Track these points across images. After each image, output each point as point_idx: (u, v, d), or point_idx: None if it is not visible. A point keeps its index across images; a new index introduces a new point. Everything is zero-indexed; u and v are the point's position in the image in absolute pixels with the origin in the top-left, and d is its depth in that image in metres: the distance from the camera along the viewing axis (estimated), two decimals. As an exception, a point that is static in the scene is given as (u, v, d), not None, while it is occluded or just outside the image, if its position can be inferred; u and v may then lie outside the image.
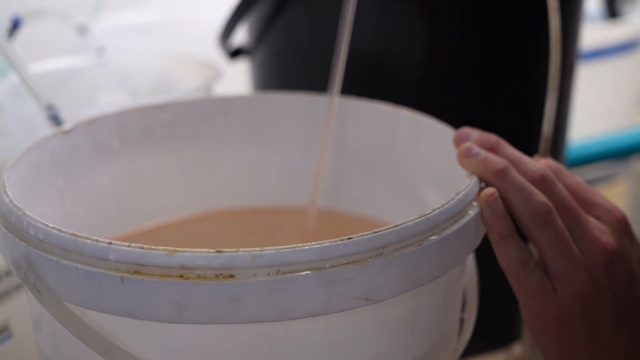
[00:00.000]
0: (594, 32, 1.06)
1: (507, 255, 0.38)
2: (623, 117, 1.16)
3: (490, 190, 0.38)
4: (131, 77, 0.71)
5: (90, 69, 0.71)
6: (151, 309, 0.32)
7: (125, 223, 0.52)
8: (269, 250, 0.31)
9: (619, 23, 1.14)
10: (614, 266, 0.39)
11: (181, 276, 0.31)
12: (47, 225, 0.34)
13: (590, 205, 0.41)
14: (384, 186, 0.51)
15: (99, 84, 0.72)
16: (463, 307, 0.43)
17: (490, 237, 0.38)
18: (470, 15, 0.58)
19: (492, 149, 0.40)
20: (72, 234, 0.33)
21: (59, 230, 0.33)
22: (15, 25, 0.64)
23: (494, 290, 0.50)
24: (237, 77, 0.74)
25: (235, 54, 0.72)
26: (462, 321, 0.42)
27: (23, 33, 0.68)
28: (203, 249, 0.31)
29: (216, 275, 0.31)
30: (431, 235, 0.34)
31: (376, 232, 0.33)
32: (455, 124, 0.47)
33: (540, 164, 0.40)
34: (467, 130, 0.42)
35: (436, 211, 0.35)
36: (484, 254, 0.42)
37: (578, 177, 0.42)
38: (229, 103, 0.53)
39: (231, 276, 0.31)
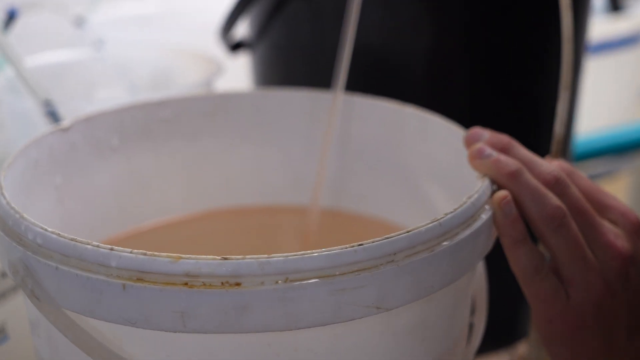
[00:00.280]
0: (596, 25, 1.04)
1: (519, 260, 0.37)
2: (625, 111, 1.15)
3: (503, 193, 0.37)
4: (130, 70, 0.70)
5: (88, 62, 0.70)
6: (154, 317, 0.30)
7: (124, 222, 0.51)
8: (277, 257, 0.30)
9: (622, 17, 1.13)
10: (628, 271, 0.38)
11: (186, 284, 0.30)
12: (45, 230, 0.33)
13: (604, 208, 0.40)
14: (388, 185, 0.50)
15: (96, 78, 0.70)
16: (472, 311, 0.42)
17: (503, 241, 0.37)
18: (476, 10, 0.56)
19: (504, 149, 0.39)
20: (72, 239, 0.32)
21: (58, 234, 0.32)
22: (10, 17, 0.62)
23: (498, 290, 0.49)
24: (238, 71, 0.73)
25: (236, 47, 0.70)
26: (471, 326, 0.41)
27: (19, 25, 0.66)
28: (208, 256, 0.30)
29: (222, 283, 0.30)
30: (443, 241, 0.33)
31: (387, 238, 0.32)
32: (461, 120, 0.46)
33: (553, 165, 0.39)
34: (477, 130, 0.40)
35: (449, 215, 0.34)
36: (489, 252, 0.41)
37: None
38: (230, 99, 0.52)
39: (237, 284, 0.30)
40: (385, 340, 0.34)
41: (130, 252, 0.31)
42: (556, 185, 0.38)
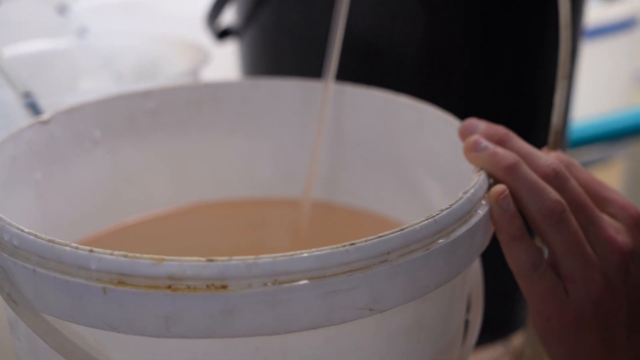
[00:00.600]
0: (591, 11, 1.03)
1: (517, 257, 0.36)
2: (620, 97, 1.14)
3: (500, 187, 0.35)
4: (114, 59, 0.68)
5: (71, 51, 0.68)
6: (137, 322, 0.29)
7: (108, 217, 0.49)
8: (265, 258, 0.29)
9: (617, 2, 1.12)
10: (629, 266, 0.37)
11: (169, 287, 0.29)
12: (22, 230, 0.31)
13: (603, 202, 0.38)
14: (382, 178, 0.49)
15: (80, 67, 0.69)
16: (467, 308, 0.40)
17: (500, 237, 0.36)
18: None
19: (501, 141, 0.38)
20: (50, 240, 0.30)
21: (35, 235, 0.31)
22: (-10, 5, 0.60)
23: (493, 282, 0.48)
24: (225, 60, 0.71)
25: (223, 34, 0.69)
26: (466, 323, 0.40)
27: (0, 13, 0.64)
28: (193, 258, 0.29)
29: (207, 286, 0.28)
30: (439, 239, 0.32)
31: (380, 236, 0.30)
32: (455, 110, 0.45)
33: (552, 158, 0.37)
34: (473, 121, 0.39)
35: (444, 212, 0.32)
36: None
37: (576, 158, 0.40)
38: (217, 89, 0.51)
39: (224, 287, 0.28)
40: (379, 342, 0.33)
41: (111, 254, 0.29)
42: (555, 178, 0.36)
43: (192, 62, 0.64)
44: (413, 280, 0.31)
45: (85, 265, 0.29)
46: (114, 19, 0.80)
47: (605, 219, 0.37)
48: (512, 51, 0.55)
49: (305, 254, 0.29)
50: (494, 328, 0.65)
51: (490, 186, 0.36)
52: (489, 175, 0.36)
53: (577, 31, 0.59)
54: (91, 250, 0.29)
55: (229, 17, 0.68)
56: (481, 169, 0.36)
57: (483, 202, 0.35)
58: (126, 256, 0.29)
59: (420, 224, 0.31)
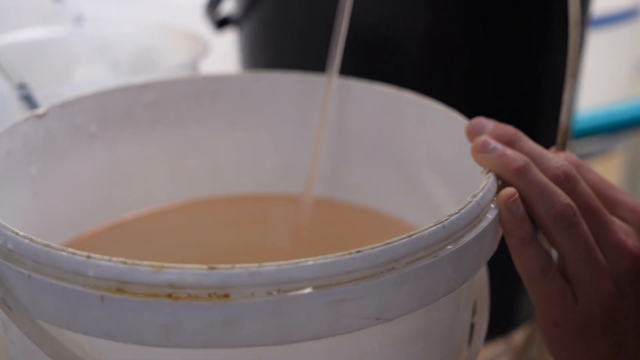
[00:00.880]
0: (592, 1, 1.02)
1: (526, 261, 0.35)
2: (621, 88, 1.13)
3: (509, 190, 0.34)
4: (110, 48, 0.67)
5: (67, 39, 0.67)
6: (136, 331, 0.28)
7: (106, 213, 0.48)
8: (269, 266, 0.28)
9: (619, -9, 1.10)
10: (639, 271, 0.36)
11: (169, 295, 0.28)
12: (17, 234, 0.30)
13: (613, 204, 0.37)
14: (384, 174, 0.48)
15: (75, 56, 0.67)
16: (473, 311, 0.40)
17: (509, 241, 0.35)
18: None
19: (510, 142, 0.37)
20: (46, 245, 0.29)
21: (31, 239, 0.30)
22: (-16, -8, 0.59)
23: (494, 278, 0.47)
24: (225, 51, 0.70)
25: (222, 24, 0.67)
26: (472, 326, 0.39)
27: (-6, 0, 0.63)
28: (194, 265, 0.28)
29: (209, 295, 0.27)
30: (447, 245, 0.31)
31: (388, 243, 0.29)
32: (457, 106, 0.44)
33: (562, 159, 0.36)
34: (481, 120, 0.38)
35: (453, 217, 0.31)
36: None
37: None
38: (217, 82, 0.49)
39: (226, 296, 0.28)
40: (384, 349, 0.32)
41: (109, 261, 0.28)
42: (566, 181, 0.35)
43: (191, 53, 0.62)
44: (421, 288, 0.30)
45: (83, 272, 0.28)
46: (111, 7, 0.78)
47: (616, 222, 0.36)
48: (515, 48, 0.54)
49: (310, 262, 0.28)
50: (495, 325, 0.64)
51: (498, 189, 0.35)
52: (498, 177, 0.35)
53: (584, 24, 0.58)
54: (89, 256, 0.28)
55: (228, 5, 0.67)
56: (490, 170, 0.35)
57: (492, 205, 0.34)
58: (125, 263, 0.28)
59: (428, 230, 0.30)
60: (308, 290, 0.28)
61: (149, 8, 0.77)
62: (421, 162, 0.45)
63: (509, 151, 0.35)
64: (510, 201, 0.34)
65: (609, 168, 1.06)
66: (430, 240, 0.30)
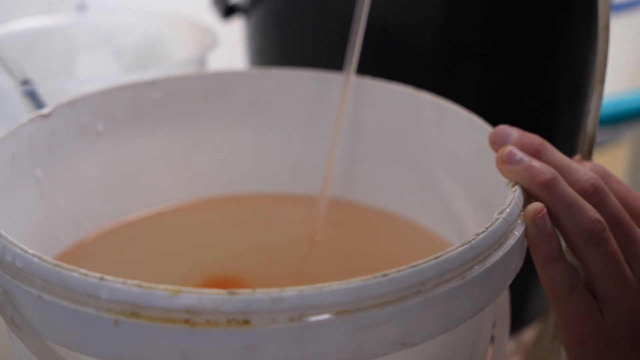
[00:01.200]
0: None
1: (553, 278, 0.33)
2: (628, 78, 1.11)
3: (537, 206, 0.33)
4: (113, 37, 0.65)
5: (69, 28, 0.65)
6: (151, 357, 0.27)
7: (112, 214, 0.47)
8: (291, 292, 0.26)
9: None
10: (667, 287, 0.35)
11: (187, 321, 0.26)
12: (26, 252, 0.29)
13: (640, 216, 0.36)
14: (399, 176, 0.46)
15: (78, 44, 0.65)
16: (493, 324, 0.38)
17: (535, 257, 0.33)
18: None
19: (536, 153, 0.35)
20: (56, 265, 0.28)
21: (40, 258, 0.28)
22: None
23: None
24: (231, 40, 0.68)
25: (229, 12, 0.66)
26: (492, 339, 0.38)
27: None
28: (212, 290, 0.26)
29: (228, 321, 0.26)
30: (474, 265, 0.30)
31: (414, 266, 0.28)
32: (472, 103, 0.43)
33: (590, 172, 0.35)
34: (505, 128, 0.36)
35: (480, 236, 0.30)
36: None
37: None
38: (226, 79, 0.48)
39: (246, 322, 0.26)
40: (407, 372, 0.31)
41: (124, 283, 0.27)
42: (594, 194, 0.34)
43: (197, 44, 0.61)
44: (447, 311, 0.29)
45: (95, 294, 0.27)
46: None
47: (644, 236, 0.35)
48: (532, 44, 0.53)
49: (334, 287, 0.27)
50: (505, 323, 0.63)
51: (524, 202, 0.34)
52: (524, 190, 0.34)
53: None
54: (101, 278, 0.27)
55: (236, -6, 0.65)
56: (515, 183, 0.34)
57: (519, 221, 0.32)
58: (140, 286, 0.27)
59: (455, 251, 0.29)
60: (331, 316, 0.27)
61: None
62: (438, 165, 0.44)
63: (536, 163, 0.34)
64: (538, 217, 0.33)
65: (615, 158, 1.05)
66: (458, 262, 0.29)
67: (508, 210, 0.32)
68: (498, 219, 0.31)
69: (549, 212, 0.33)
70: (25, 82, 0.46)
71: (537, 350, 0.62)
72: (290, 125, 0.49)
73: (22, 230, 0.40)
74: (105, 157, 0.45)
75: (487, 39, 0.52)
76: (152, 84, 0.46)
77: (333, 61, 0.55)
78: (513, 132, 0.36)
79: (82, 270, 0.27)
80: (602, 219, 0.33)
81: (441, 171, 0.44)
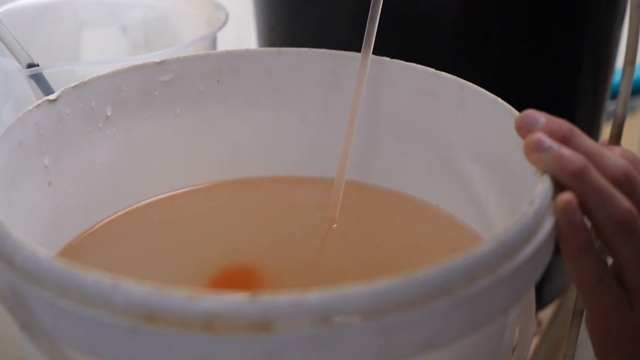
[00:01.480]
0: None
1: (583, 271, 0.32)
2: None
3: (567, 196, 0.31)
4: (121, 13, 0.63)
5: (75, 2, 0.63)
6: (169, 363, 0.26)
7: (122, 200, 0.45)
8: (315, 295, 0.25)
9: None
10: (699, 278, 0.33)
11: (206, 327, 0.25)
12: (37, 254, 0.27)
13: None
14: (418, 159, 0.45)
15: (84, 20, 0.64)
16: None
17: (564, 249, 0.32)
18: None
19: (565, 139, 0.34)
20: (68, 268, 0.27)
21: (52, 261, 0.27)
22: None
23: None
24: (239, 16, 0.66)
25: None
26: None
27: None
28: (233, 294, 0.25)
29: (249, 327, 0.25)
30: (504, 262, 0.28)
31: (442, 266, 0.27)
32: (494, 81, 0.41)
33: (621, 159, 0.33)
34: (532, 113, 0.35)
35: (511, 232, 0.29)
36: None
37: None
38: (239, 59, 0.46)
39: (268, 328, 0.25)
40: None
41: (139, 288, 0.26)
42: (626, 183, 0.33)
43: (206, 16, 0.59)
44: (476, 310, 0.28)
45: (110, 299, 0.26)
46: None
47: (677, 226, 0.34)
48: (553, 21, 0.51)
49: (360, 290, 0.26)
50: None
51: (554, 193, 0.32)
52: (553, 179, 0.33)
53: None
54: (116, 283, 0.26)
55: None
56: (544, 172, 0.33)
57: (548, 213, 0.31)
58: (157, 290, 0.25)
59: (485, 248, 0.28)
60: (356, 319, 0.25)
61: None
62: (459, 147, 0.43)
63: (566, 151, 0.33)
64: (569, 208, 0.31)
65: (632, 126, 1.03)
66: (488, 260, 0.28)
67: (538, 201, 0.31)
68: (528, 212, 0.30)
69: (579, 201, 0.32)
70: (31, 65, 0.44)
71: (554, 331, 0.62)
72: (305, 106, 0.47)
73: (32, 220, 0.39)
74: (114, 142, 0.44)
75: (506, 18, 0.50)
76: (161, 64, 0.45)
77: (346, 36, 0.53)
78: (541, 117, 0.35)
79: (95, 275, 0.26)
80: (633, 209, 0.32)
81: (462, 154, 0.43)
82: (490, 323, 0.30)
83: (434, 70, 0.42)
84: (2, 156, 0.36)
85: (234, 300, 0.25)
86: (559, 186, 0.33)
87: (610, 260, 0.34)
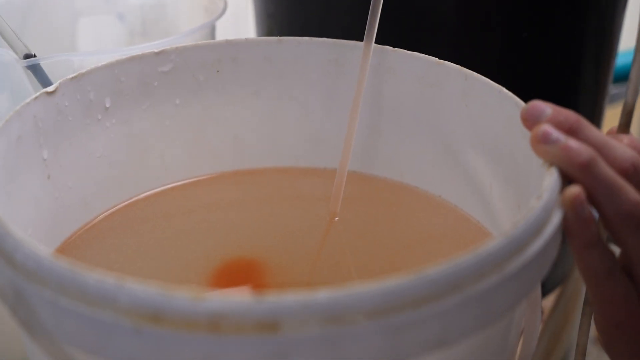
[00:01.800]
0: None
1: (591, 264, 0.32)
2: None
3: (575, 190, 0.31)
4: (117, 1, 0.62)
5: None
6: (174, 364, 0.25)
7: (122, 192, 0.45)
8: (323, 295, 0.25)
9: None
10: None
11: (211, 327, 0.25)
12: (37, 252, 0.27)
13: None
14: (423, 149, 0.44)
15: (79, 8, 0.63)
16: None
17: (572, 243, 0.32)
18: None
19: (572, 131, 0.33)
20: (70, 267, 0.26)
21: (53, 260, 0.26)
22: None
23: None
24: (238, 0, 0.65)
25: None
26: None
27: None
28: (239, 295, 0.25)
29: (256, 327, 0.25)
30: (513, 258, 0.28)
31: (452, 263, 0.26)
32: (496, 68, 0.41)
33: (629, 150, 0.33)
34: (538, 104, 0.34)
35: (519, 227, 0.28)
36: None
37: None
38: (239, 48, 0.46)
39: (275, 328, 0.25)
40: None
41: (144, 288, 0.25)
42: (635, 174, 0.32)
43: (204, 3, 0.58)
44: (486, 306, 0.27)
45: (113, 299, 0.25)
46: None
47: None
48: (557, 8, 0.50)
49: (369, 288, 0.25)
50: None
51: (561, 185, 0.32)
52: (561, 172, 0.32)
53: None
54: (119, 285, 0.25)
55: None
56: (551, 165, 0.32)
57: (556, 207, 0.31)
58: (161, 290, 0.25)
59: (494, 244, 0.27)
60: (366, 318, 0.25)
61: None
62: (463, 137, 0.42)
63: (573, 143, 0.32)
64: (577, 202, 0.31)
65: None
66: (497, 256, 0.27)
67: (546, 195, 0.30)
68: (536, 206, 0.29)
69: (587, 194, 0.31)
70: (28, 56, 0.44)
71: (555, 319, 0.61)
72: (306, 95, 0.47)
73: (31, 214, 0.39)
74: (113, 134, 0.44)
75: (509, 5, 0.50)
76: (161, 54, 0.44)
77: (346, 26, 0.53)
78: (547, 108, 0.34)
79: (97, 274, 0.26)
80: (643, 201, 0.32)
81: (466, 144, 0.42)
82: (499, 319, 0.29)
83: (437, 59, 0.42)
84: (1, 150, 0.35)
85: (240, 300, 0.25)
86: (566, 178, 0.32)
87: (617, 251, 0.34)
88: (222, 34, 0.57)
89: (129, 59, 0.43)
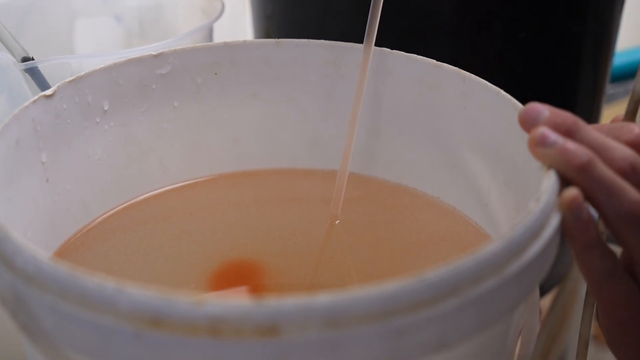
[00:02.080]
0: None
1: (592, 265, 0.32)
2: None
3: (573, 192, 0.31)
4: (115, 1, 0.62)
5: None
6: (174, 369, 0.25)
7: (121, 195, 0.45)
8: (323, 299, 0.25)
9: None
10: None
11: (212, 332, 0.25)
12: (38, 257, 0.27)
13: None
14: (421, 151, 0.45)
15: (77, 9, 0.63)
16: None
17: (572, 245, 0.32)
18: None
19: (569, 132, 0.33)
20: (70, 272, 0.26)
21: (53, 265, 0.27)
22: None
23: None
24: (234, 1, 0.65)
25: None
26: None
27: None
28: (239, 299, 0.25)
29: (256, 331, 0.25)
30: (511, 261, 0.28)
31: (451, 266, 0.26)
32: (495, 69, 0.41)
33: (627, 149, 0.33)
34: (536, 107, 0.34)
35: (518, 230, 0.28)
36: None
37: None
38: (237, 50, 0.46)
39: (275, 332, 0.25)
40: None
41: (144, 292, 0.25)
42: (633, 173, 0.32)
43: (202, 4, 0.58)
44: (485, 309, 0.27)
45: (113, 304, 0.25)
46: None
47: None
48: (555, 8, 0.50)
49: (369, 293, 0.25)
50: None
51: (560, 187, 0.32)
52: (559, 174, 0.32)
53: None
54: (119, 289, 0.25)
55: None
56: (549, 167, 0.32)
57: (555, 209, 0.31)
58: (161, 295, 0.25)
59: (493, 248, 0.27)
60: (365, 322, 0.25)
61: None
62: (462, 140, 0.42)
63: (571, 145, 0.32)
64: (575, 205, 0.31)
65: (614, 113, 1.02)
66: (496, 259, 0.27)
67: (545, 198, 0.30)
68: (534, 209, 0.29)
69: (587, 196, 0.31)
70: (26, 59, 0.44)
71: (552, 319, 0.62)
72: (304, 97, 0.47)
73: (30, 217, 0.39)
74: (112, 136, 0.44)
75: (507, 5, 0.50)
76: (159, 57, 0.44)
77: (344, 27, 0.53)
78: (544, 110, 0.34)
79: (98, 279, 0.26)
80: (642, 201, 0.32)
81: (465, 147, 0.42)
82: (498, 322, 0.29)
83: (435, 61, 0.42)
84: (0, 154, 0.35)
85: (240, 304, 0.25)
86: (565, 181, 0.32)
87: (618, 250, 0.34)
88: (219, 36, 0.57)
89: (127, 62, 0.43)
